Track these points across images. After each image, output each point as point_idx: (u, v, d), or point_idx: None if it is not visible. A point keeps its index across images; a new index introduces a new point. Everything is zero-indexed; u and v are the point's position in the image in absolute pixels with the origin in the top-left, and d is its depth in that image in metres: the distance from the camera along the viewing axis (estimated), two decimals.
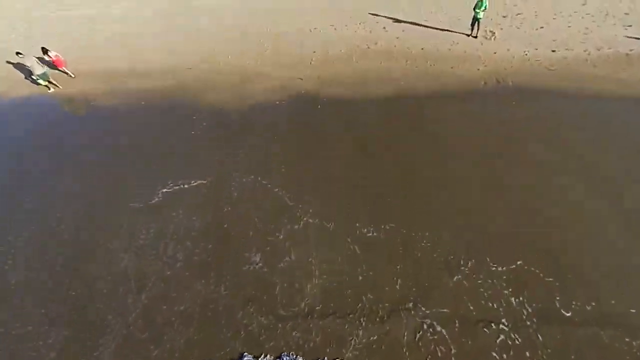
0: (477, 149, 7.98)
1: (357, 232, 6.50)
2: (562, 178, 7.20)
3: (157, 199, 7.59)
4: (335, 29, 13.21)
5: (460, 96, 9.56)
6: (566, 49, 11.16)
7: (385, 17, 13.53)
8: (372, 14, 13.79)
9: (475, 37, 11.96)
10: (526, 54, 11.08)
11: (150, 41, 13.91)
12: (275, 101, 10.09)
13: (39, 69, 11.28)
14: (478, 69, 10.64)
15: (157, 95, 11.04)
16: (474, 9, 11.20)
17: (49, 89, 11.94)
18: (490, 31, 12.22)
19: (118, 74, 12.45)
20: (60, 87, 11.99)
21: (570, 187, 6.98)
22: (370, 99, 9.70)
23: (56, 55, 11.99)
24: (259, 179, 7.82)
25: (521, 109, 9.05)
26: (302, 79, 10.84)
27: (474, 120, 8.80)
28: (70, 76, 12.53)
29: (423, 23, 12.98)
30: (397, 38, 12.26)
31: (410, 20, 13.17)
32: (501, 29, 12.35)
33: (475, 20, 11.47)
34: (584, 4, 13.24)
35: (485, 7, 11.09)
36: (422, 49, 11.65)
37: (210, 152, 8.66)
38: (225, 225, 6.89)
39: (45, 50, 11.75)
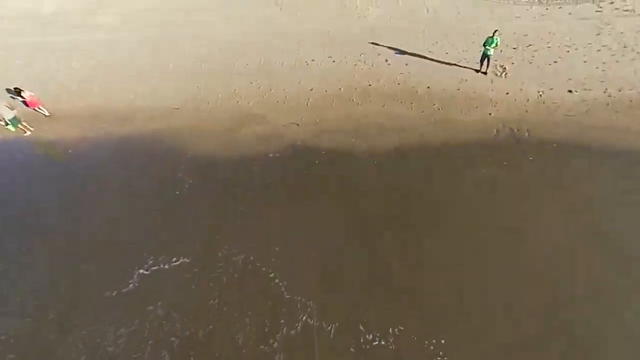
0: (493, 224, 7.12)
1: (362, 338, 5.63)
2: (593, 268, 6.35)
3: (132, 285, 6.66)
4: (333, 61, 12.27)
5: (471, 151, 8.69)
6: (584, 89, 10.32)
7: (387, 47, 12.61)
8: (373, 44, 12.86)
9: (485, 73, 11.10)
10: (541, 95, 10.23)
11: (135, 74, 12.92)
12: (269, 154, 9.17)
13: (8, 113, 10.27)
14: (490, 114, 9.77)
15: (139, 144, 10.08)
16: (484, 45, 10.33)
17: (24, 132, 10.95)
18: (501, 66, 11.35)
19: (98, 114, 11.47)
20: (32, 129, 10.99)
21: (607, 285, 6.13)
22: (373, 154, 8.81)
23: (30, 95, 11.01)
24: (251, 258, 6.92)
25: (539, 169, 8.19)
26: (298, 125, 9.93)
27: (487, 185, 7.95)
28: (45, 115, 11.55)
29: (428, 55, 12.08)
30: (401, 74, 11.36)
31: (413, 52, 12.26)
32: (512, 63, 11.49)
33: (485, 56, 10.60)
34: (598, 34, 12.40)
35: (496, 44, 10.23)
36: (428, 87, 10.76)
37: (195, 221, 7.75)
38: (211, 327, 5.98)
39: (19, 91, 10.78)
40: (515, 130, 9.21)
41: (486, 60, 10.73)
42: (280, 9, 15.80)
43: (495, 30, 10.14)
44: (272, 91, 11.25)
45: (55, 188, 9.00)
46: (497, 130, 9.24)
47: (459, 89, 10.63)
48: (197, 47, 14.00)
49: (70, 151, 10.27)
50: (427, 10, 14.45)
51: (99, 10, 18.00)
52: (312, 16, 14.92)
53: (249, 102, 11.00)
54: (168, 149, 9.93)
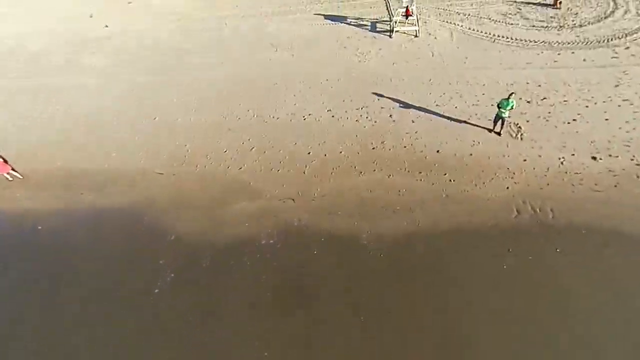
0: (516, 339, 6.05)
1: None
2: None
3: None
4: (333, 115, 11.33)
5: (489, 240, 7.66)
6: (609, 155, 9.37)
7: (390, 98, 11.70)
8: (375, 94, 11.96)
9: (499, 134, 10.16)
10: (562, 163, 9.27)
11: (119, 128, 11.95)
12: (261, 240, 8.10)
13: None
14: (507, 187, 8.78)
15: (116, 222, 9.01)
16: (499, 106, 9.41)
17: None
18: (516, 124, 10.42)
19: (76, 177, 10.46)
20: None
21: None
22: (379, 242, 7.76)
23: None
24: None
25: (569, 265, 7.16)
26: (294, 200, 8.90)
27: (507, 287, 6.88)
28: (18, 177, 10.52)
29: (435, 109, 11.16)
30: (407, 133, 10.40)
31: (419, 105, 11.34)
32: (527, 120, 10.56)
33: (500, 118, 9.68)
34: (616, 85, 11.55)
35: (512, 107, 9.31)
36: (438, 151, 9.79)
37: (174, 333, 6.63)
38: None
39: None
40: (538, 209, 8.20)
41: (500, 120, 9.82)
42: (276, 50, 14.99)
43: (512, 93, 9.24)
44: (266, 154, 10.25)
45: (12, 285, 7.89)
46: (518, 210, 8.23)
47: (471, 154, 9.67)
48: (187, 95, 13.08)
49: (39, 227, 9.19)
50: (432, 54, 13.64)
51: (88, 50, 17.16)
52: (310, 59, 14.08)
53: (240, 167, 9.99)
54: (149, 225, 8.88)
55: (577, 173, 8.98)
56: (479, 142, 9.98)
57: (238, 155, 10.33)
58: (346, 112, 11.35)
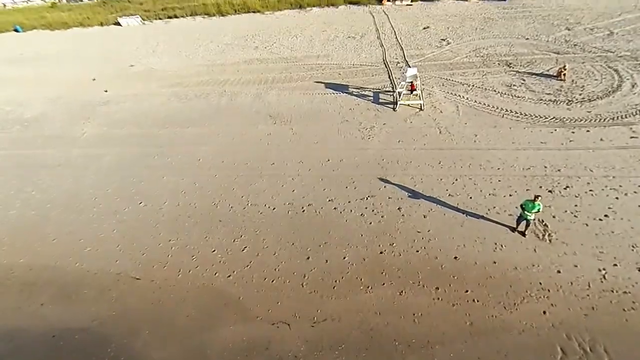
0: None
1: None
2: None
3: None
4: (335, 207, 10.23)
5: None
6: None
7: (398, 186, 10.70)
8: (381, 180, 10.98)
9: (524, 234, 8.94)
10: (604, 276, 7.91)
11: (96, 217, 10.85)
12: None
13: None
14: (544, 312, 7.34)
15: (77, 346, 7.50)
16: (522, 208, 8.30)
17: None
18: (541, 222, 9.24)
19: (40, 279, 9.12)
20: None
21: None
22: None
23: None
24: None
25: None
26: (289, 326, 7.44)
27: None
28: None
29: (448, 200, 10.08)
30: (419, 233, 9.19)
31: (430, 195, 10.29)
32: (553, 216, 9.40)
33: (524, 219, 8.53)
34: None
35: (538, 209, 8.20)
36: (456, 258, 8.51)
37: None
38: None
39: None
40: (588, 349, 6.69)
41: (525, 221, 8.66)
42: (275, 122, 14.40)
43: (538, 196, 8.16)
44: (259, 257, 8.98)
45: None
46: (563, 349, 6.72)
47: (495, 262, 8.36)
48: (178, 174, 12.17)
49: None
50: (440, 131, 12.93)
51: (82, 118, 16.77)
52: (311, 134, 13.39)
53: (229, 275, 8.65)
54: (118, 354, 7.34)
55: (625, 292, 7.59)
56: (502, 246, 8.72)
57: (228, 257, 9.06)
58: (349, 202, 10.27)
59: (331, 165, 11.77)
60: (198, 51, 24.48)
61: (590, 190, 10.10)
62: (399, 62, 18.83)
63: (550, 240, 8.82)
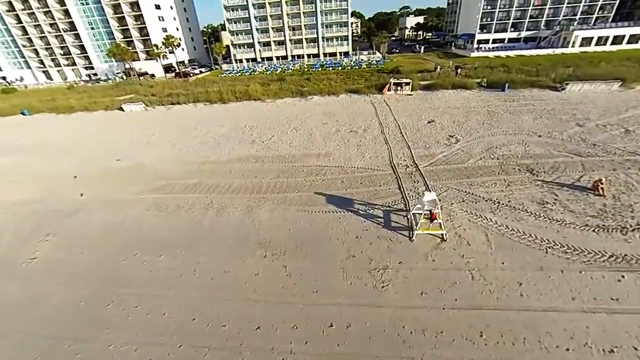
0: None
1: None
2: None
3: None
4: None
5: None
6: None
7: None
8: None
9: None
10: None
11: None
12: None
13: None
14: None
15: None
16: None
17: None
18: None
19: None
20: None
21: None
22: None
23: None
24: None
25: None
26: None
27: None
28: None
29: None
30: None
31: None
32: None
33: None
34: None
35: None
36: None
37: None
38: None
39: None
40: None
41: None
42: (265, 256, 11.73)
43: None
44: None
45: None
46: None
47: None
48: (127, 343, 8.98)
49: None
50: (472, 276, 10.16)
51: (42, 232, 14.26)
52: (308, 279, 10.56)
53: None
54: None
55: None
56: None
57: None
58: None
59: (335, 335, 8.69)
60: (192, 144, 23.37)
61: None
62: (408, 166, 17.09)
63: None
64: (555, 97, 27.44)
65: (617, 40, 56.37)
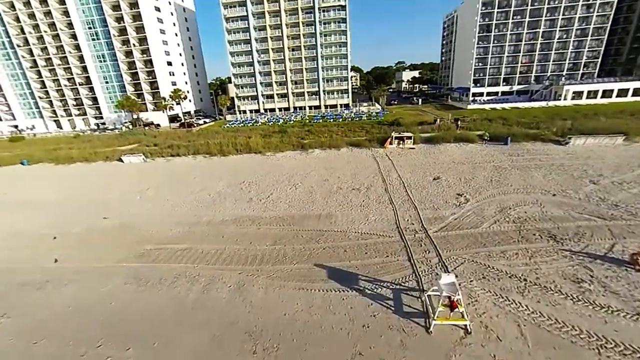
0: None
1: None
2: None
3: None
4: None
5: None
6: None
7: None
8: None
9: None
10: None
11: None
12: None
13: None
14: None
15: None
16: None
17: None
18: None
19: None
20: None
21: None
22: None
23: None
24: None
25: None
26: None
27: None
28: None
29: None
30: None
31: None
32: None
33: None
34: None
35: None
36: None
37: None
38: None
39: None
40: None
41: None
42: (254, 350, 9.71)
43: None
44: None
45: None
46: None
47: None
48: None
49: None
50: None
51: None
52: None
53: None
54: None
55: None
56: None
57: None
58: None
59: None
60: (187, 200, 22.21)
61: None
62: (416, 231, 15.61)
63: None
64: (560, 152, 26.90)
65: (607, 94, 58.51)
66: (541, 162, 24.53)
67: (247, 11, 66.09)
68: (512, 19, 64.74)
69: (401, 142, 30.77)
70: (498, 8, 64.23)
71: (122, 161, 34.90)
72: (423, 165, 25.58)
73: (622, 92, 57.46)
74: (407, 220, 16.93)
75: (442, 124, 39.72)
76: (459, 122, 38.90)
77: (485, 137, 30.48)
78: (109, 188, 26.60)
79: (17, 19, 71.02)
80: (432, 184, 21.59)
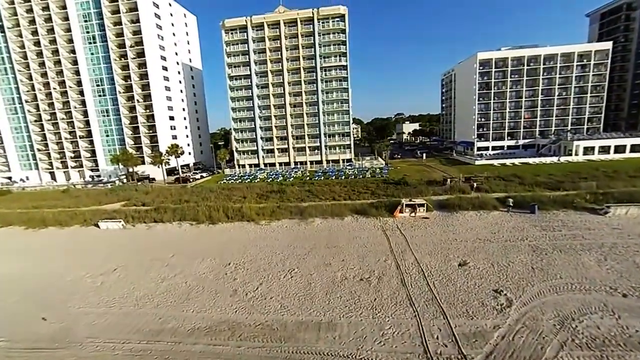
0: None
1: None
2: None
3: None
4: None
5: None
6: None
7: None
8: None
9: None
10: None
11: None
12: None
13: None
14: None
15: None
16: None
17: None
18: None
19: None
20: None
21: None
22: None
23: None
24: None
25: None
26: None
27: None
28: None
29: None
30: None
31: None
32: None
33: None
34: None
35: None
36: None
37: None
38: None
39: None
40: None
41: None
42: None
43: None
44: None
45: None
46: None
47: None
48: None
49: None
50: None
51: None
52: None
53: None
54: None
55: None
56: None
57: None
58: None
59: None
60: (157, 292, 17.86)
61: None
62: (451, 358, 11.09)
63: None
64: (603, 225, 22.92)
65: (619, 149, 56.48)
66: (587, 241, 20.44)
67: (250, 70, 68.06)
68: (510, 77, 65.91)
69: (413, 210, 27.09)
70: (495, 68, 65.78)
71: (98, 227, 31.10)
72: (442, 243, 21.50)
73: (637, 147, 55.43)
74: (436, 336, 12.47)
75: (454, 184, 36.51)
76: (473, 183, 35.73)
77: (510, 204, 26.83)
78: (69, 267, 22.31)
79: (30, 77, 73.53)
80: (459, 273, 17.34)
